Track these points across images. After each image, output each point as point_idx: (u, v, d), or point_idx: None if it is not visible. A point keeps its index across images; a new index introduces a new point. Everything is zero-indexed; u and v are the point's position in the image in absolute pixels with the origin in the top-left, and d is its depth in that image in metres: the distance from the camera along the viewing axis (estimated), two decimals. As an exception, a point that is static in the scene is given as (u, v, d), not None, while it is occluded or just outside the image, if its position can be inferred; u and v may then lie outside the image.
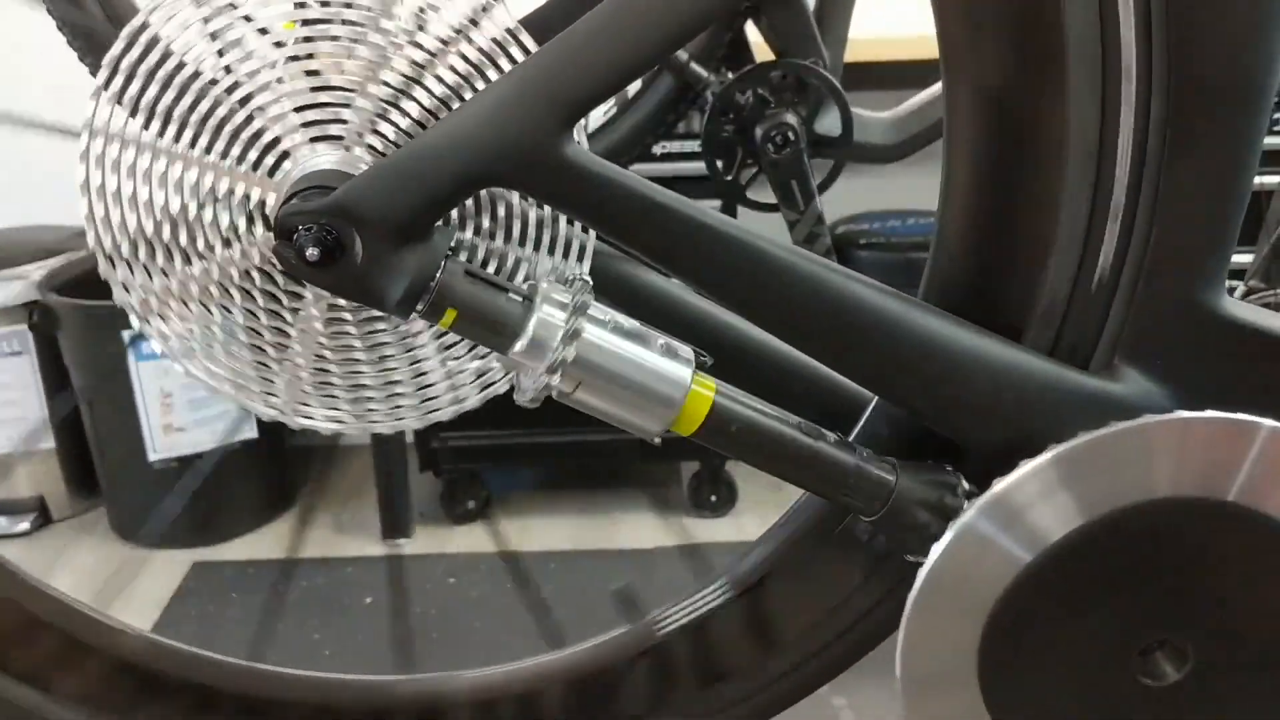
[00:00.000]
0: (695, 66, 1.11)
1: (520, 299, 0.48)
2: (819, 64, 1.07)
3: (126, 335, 1.85)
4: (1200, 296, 0.51)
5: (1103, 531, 0.50)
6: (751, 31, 1.14)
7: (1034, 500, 0.49)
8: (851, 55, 1.16)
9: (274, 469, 2.09)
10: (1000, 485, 0.49)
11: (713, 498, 2.04)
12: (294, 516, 2.10)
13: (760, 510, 2.05)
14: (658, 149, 1.70)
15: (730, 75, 1.09)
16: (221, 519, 2.02)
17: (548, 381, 0.47)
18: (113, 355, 1.86)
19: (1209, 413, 0.49)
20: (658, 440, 0.51)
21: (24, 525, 2.03)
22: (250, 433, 1.98)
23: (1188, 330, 0.51)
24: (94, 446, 1.99)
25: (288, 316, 0.51)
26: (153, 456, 1.92)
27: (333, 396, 0.52)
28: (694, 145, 1.74)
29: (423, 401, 0.54)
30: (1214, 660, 0.51)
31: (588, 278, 0.51)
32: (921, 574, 0.50)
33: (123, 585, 1.88)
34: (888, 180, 1.56)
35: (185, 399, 1.90)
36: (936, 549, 0.50)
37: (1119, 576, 0.51)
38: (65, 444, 2.04)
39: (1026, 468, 0.49)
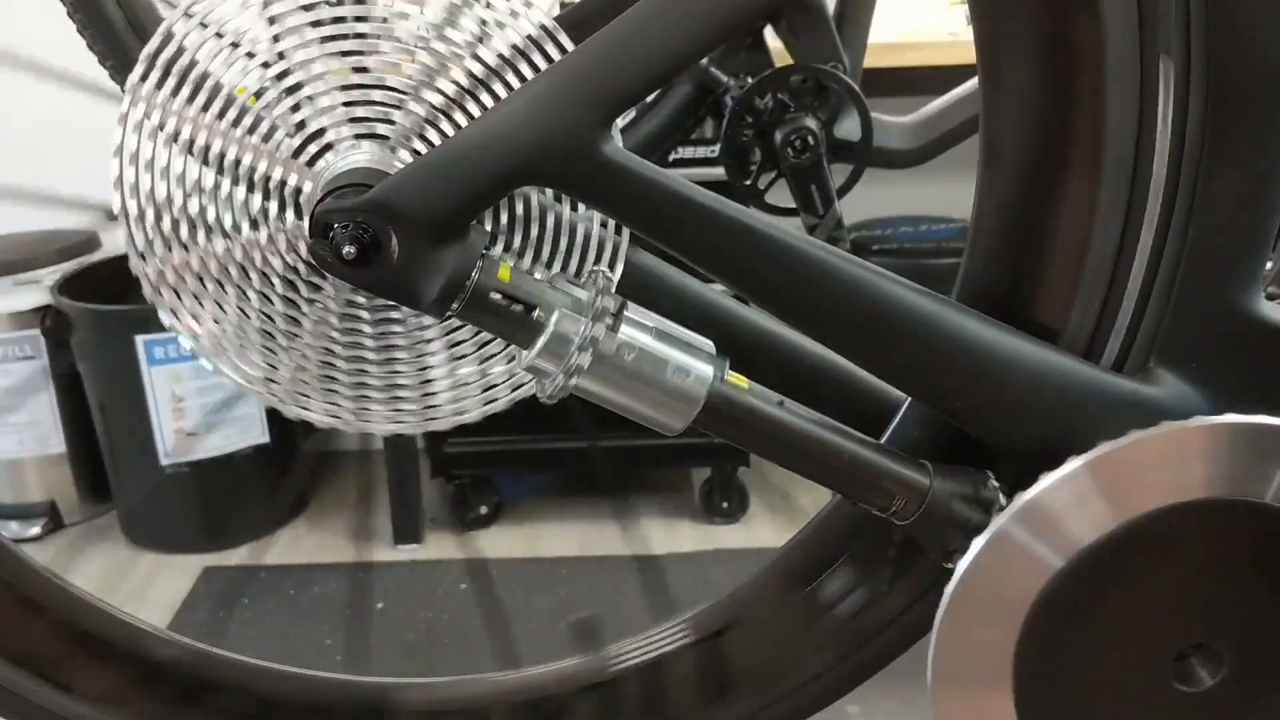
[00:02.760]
0: (715, 71, 1.11)
1: (528, 288, 0.48)
2: (839, 68, 1.07)
3: (139, 339, 1.85)
4: (1236, 300, 0.50)
5: (1137, 536, 0.49)
6: (771, 36, 1.14)
7: (1069, 504, 0.49)
8: (871, 60, 1.16)
9: (285, 474, 2.09)
10: (1036, 489, 0.49)
11: (724, 504, 2.04)
12: (305, 521, 2.10)
13: (772, 516, 2.05)
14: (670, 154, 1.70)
15: (750, 79, 1.09)
16: (233, 524, 2.02)
17: (569, 377, 0.47)
18: (125, 359, 1.86)
19: (1247, 416, 0.49)
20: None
21: (35, 529, 2.03)
22: (262, 437, 1.98)
23: (1224, 333, 0.51)
24: (105, 451, 1.99)
25: (305, 307, 0.51)
26: (164, 461, 1.92)
27: (365, 396, 0.52)
28: (707, 150, 1.75)
29: (427, 406, 0.54)
30: (1250, 665, 0.51)
31: (609, 273, 0.51)
32: (956, 578, 0.50)
33: (134, 589, 1.88)
34: (901, 186, 1.56)
35: (197, 403, 1.91)
36: (972, 553, 0.50)
37: (1154, 581, 0.51)
38: (77, 448, 2.04)
39: (1062, 471, 0.49)
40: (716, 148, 1.67)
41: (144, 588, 1.89)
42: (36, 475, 2.04)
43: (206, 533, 1.99)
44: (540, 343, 0.47)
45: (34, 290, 1.95)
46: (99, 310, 1.88)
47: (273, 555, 1.98)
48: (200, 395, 1.90)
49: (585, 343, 0.46)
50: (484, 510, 2.06)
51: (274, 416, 1.97)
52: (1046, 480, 0.49)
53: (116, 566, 1.96)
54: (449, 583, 1.88)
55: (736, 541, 1.98)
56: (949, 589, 0.50)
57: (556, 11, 0.83)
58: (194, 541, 1.98)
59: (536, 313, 0.47)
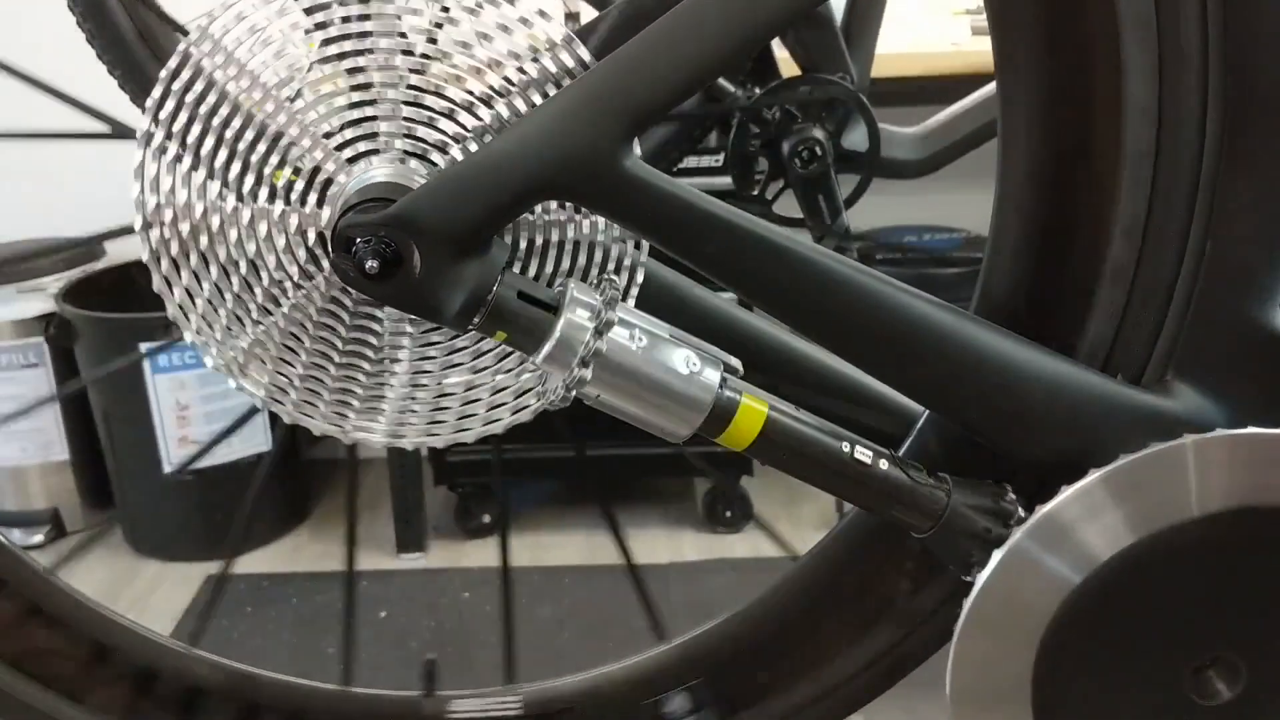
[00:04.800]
0: (722, 82, 1.11)
1: (548, 301, 0.48)
2: (846, 79, 1.07)
3: (143, 347, 1.85)
4: (1254, 312, 0.51)
5: (1154, 549, 0.49)
6: (777, 47, 1.14)
7: (1087, 518, 0.49)
8: (878, 71, 1.16)
9: (289, 482, 2.09)
10: (1054, 502, 0.49)
11: (727, 513, 2.03)
12: (308, 530, 2.10)
13: (774, 526, 2.04)
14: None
15: (757, 90, 1.09)
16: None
17: (574, 383, 0.47)
18: (129, 367, 1.86)
19: (1264, 429, 0.49)
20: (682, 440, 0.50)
21: (38, 537, 2.03)
22: (265, 446, 1.98)
23: (1241, 346, 0.51)
24: (109, 458, 1.99)
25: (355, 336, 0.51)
26: (168, 469, 1.92)
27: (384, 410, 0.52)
28: (712, 160, 1.74)
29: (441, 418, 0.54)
30: (1267, 677, 0.51)
31: (615, 279, 0.51)
32: (974, 591, 0.50)
33: (137, 598, 1.88)
34: (904, 195, 1.57)
35: (201, 411, 1.90)
36: (990, 567, 0.50)
37: (1171, 595, 0.51)
38: (80, 456, 2.04)
39: (1080, 485, 0.49)
40: (721, 157, 1.68)
41: (146, 596, 1.89)
42: (40, 482, 2.04)
43: (209, 541, 1.99)
44: (548, 346, 0.47)
45: (38, 298, 1.95)
46: (103, 318, 1.88)
47: (276, 564, 1.98)
48: (204, 403, 1.90)
49: (590, 347, 0.47)
50: (487, 519, 2.05)
51: (277, 424, 1.97)
52: (1064, 494, 0.49)
53: (119, 574, 1.95)
54: (452, 592, 1.88)
55: (739, 551, 1.98)
56: (967, 603, 0.50)
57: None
58: (197, 550, 1.98)
59: (549, 320, 0.47)
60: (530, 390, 0.53)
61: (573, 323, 0.47)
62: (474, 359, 0.53)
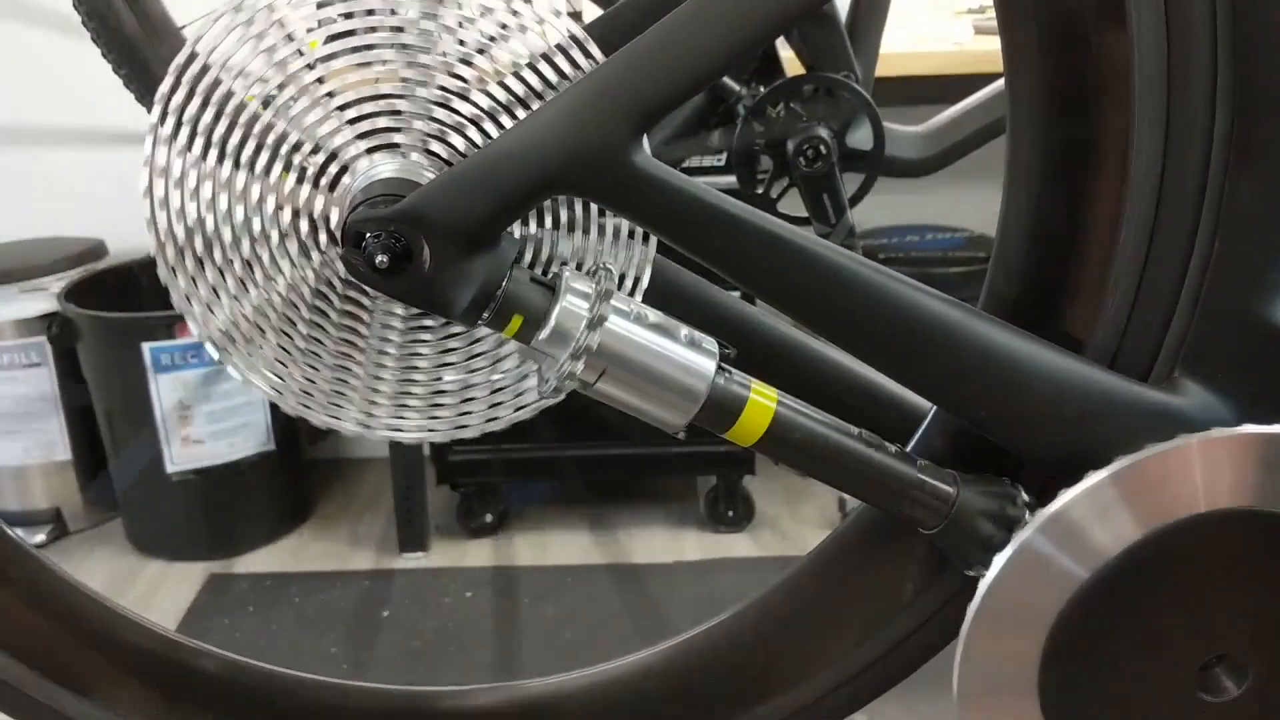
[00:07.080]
0: (727, 80, 1.11)
1: (544, 288, 0.48)
2: (851, 78, 1.07)
3: (146, 347, 1.85)
4: (1262, 310, 0.50)
5: (1163, 546, 0.49)
6: (782, 45, 1.14)
7: (1095, 515, 0.49)
8: (882, 70, 1.16)
9: (291, 481, 2.09)
10: (1061, 500, 0.49)
11: (730, 513, 2.03)
12: (310, 529, 2.10)
13: (778, 526, 2.04)
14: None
15: (761, 89, 1.09)
16: (238, 531, 2.01)
17: (570, 371, 0.47)
18: (131, 367, 1.86)
19: (1271, 427, 0.49)
20: (682, 435, 0.50)
21: (40, 537, 2.03)
22: (267, 445, 1.98)
23: (1248, 343, 0.51)
24: (111, 458, 1.99)
25: (359, 328, 0.51)
26: (170, 469, 1.92)
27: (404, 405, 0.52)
28: (715, 160, 1.74)
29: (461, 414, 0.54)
30: (1275, 674, 0.51)
31: (611, 267, 0.51)
32: (981, 588, 0.50)
33: (139, 597, 1.88)
34: (904, 195, 1.57)
35: (203, 411, 1.90)
36: (997, 563, 0.50)
37: (1179, 592, 0.51)
38: (82, 455, 2.04)
39: (1088, 482, 0.49)
40: (723, 157, 1.68)
41: (149, 595, 1.89)
42: (42, 482, 2.04)
43: (211, 540, 1.99)
44: (544, 333, 0.47)
45: (40, 297, 1.95)
46: (105, 317, 1.88)
47: (278, 563, 1.98)
48: (206, 403, 1.90)
49: (580, 352, 0.47)
50: (489, 518, 2.05)
51: (280, 424, 1.97)
52: (1072, 491, 0.49)
53: (121, 574, 1.95)
54: (454, 591, 1.88)
55: (742, 550, 1.98)
56: (975, 599, 0.50)
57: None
58: (199, 549, 1.98)
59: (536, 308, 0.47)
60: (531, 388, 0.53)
61: (568, 310, 0.47)
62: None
